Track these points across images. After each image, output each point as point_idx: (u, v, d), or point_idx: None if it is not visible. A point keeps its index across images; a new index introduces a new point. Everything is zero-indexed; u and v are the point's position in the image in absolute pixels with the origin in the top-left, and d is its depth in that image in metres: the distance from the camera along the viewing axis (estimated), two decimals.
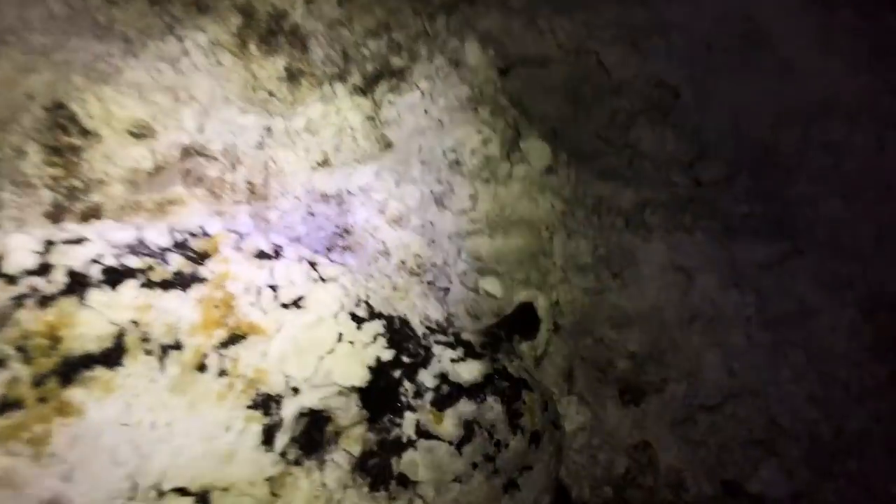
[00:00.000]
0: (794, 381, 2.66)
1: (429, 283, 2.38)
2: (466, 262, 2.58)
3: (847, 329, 2.78)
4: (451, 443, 1.83)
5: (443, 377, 1.92)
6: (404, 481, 1.73)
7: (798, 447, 2.65)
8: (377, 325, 1.85)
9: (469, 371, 1.99)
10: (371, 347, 1.79)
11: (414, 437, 1.79)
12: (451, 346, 2.03)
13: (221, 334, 1.49)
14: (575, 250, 2.84)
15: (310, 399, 1.62)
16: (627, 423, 2.59)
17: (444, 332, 2.10)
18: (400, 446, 1.77)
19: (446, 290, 2.43)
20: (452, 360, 1.98)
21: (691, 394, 2.62)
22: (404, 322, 1.97)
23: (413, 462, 1.76)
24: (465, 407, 1.92)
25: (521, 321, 2.43)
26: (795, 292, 2.85)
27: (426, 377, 1.89)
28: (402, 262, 2.39)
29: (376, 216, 2.47)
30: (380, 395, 1.75)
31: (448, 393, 1.90)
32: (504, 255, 2.68)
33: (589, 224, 2.87)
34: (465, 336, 2.13)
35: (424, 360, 1.92)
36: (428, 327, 2.07)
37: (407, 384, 1.83)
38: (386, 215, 2.48)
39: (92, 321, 1.39)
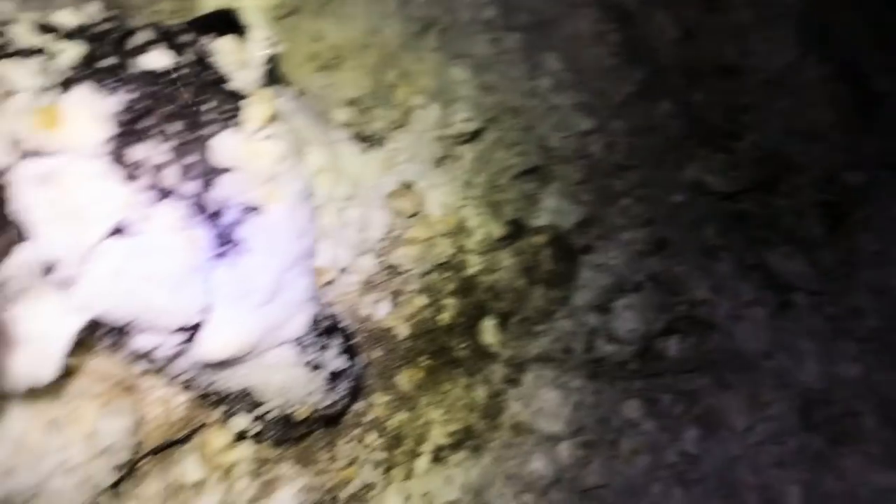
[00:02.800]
0: (556, 91, 2.13)
1: None
2: None
3: (592, 34, 2.33)
4: None
5: None
6: None
7: (576, 170, 2.13)
8: None
9: None
10: None
11: None
12: None
13: None
14: None
15: None
16: (375, 165, 1.81)
17: None
18: None
19: None
20: None
21: (444, 121, 1.92)
22: None
23: None
24: None
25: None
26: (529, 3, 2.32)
27: None
28: None
29: None
30: None
31: None
32: None
33: None
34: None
35: None
36: None
37: None
38: None
39: None
